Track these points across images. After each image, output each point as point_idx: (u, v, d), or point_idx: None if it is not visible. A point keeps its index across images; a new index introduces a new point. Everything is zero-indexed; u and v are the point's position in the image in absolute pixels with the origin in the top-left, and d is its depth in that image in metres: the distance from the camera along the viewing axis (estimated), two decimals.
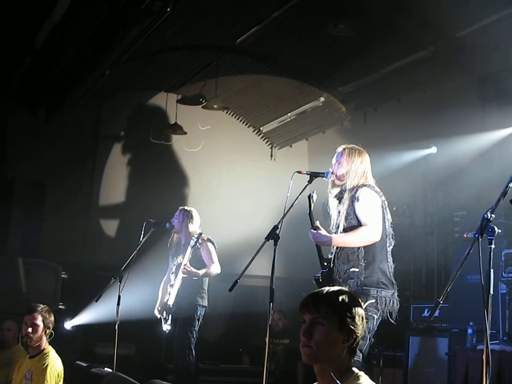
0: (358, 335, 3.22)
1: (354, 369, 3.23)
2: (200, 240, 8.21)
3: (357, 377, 3.18)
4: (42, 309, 6.35)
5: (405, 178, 10.80)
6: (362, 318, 3.25)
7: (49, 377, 6.05)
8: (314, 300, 3.25)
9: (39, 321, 6.25)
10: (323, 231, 5.81)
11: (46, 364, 6.11)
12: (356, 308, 3.24)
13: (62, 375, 6.23)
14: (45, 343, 6.31)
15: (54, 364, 6.17)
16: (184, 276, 8.11)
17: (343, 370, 3.19)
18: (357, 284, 5.61)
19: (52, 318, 6.35)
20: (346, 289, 3.34)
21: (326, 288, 3.31)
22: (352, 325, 3.19)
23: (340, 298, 3.22)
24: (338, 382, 3.17)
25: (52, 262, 10.57)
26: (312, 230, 5.80)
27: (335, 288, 3.32)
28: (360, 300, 3.31)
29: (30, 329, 6.25)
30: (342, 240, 5.80)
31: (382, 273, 5.70)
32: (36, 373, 6.12)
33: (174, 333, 8.31)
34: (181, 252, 8.32)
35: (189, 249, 8.12)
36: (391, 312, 5.69)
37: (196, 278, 8.23)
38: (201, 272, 8.18)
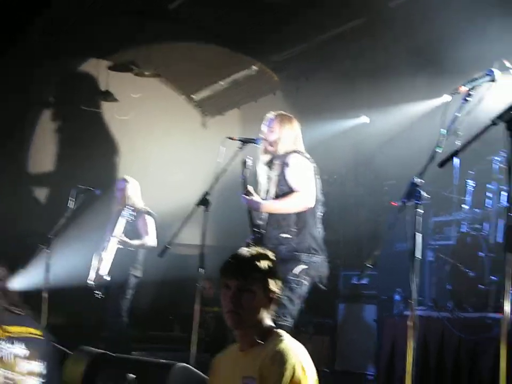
0: (279, 295, 3.29)
1: (277, 330, 3.29)
2: (134, 212, 8.21)
3: (279, 336, 3.24)
4: None
5: (336, 148, 10.88)
6: (280, 278, 3.33)
7: None
8: (240, 266, 3.28)
9: None
10: (256, 197, 5.80)
11: None
12: (278, 270, 3.32)
13: None
14: None
15: None
16: (119, 246, 8.09)
17: (266, 331, 3.27)
18: (288, 250, 5.61)
19: None
20: (266, 251, 3.37)
21: (247, 252, 3.32)
22: (276, 287, 3.27)
23: (265, 263, 3.26)
24: (262, 342, 3.23)
25: None
26: (245, 196, 5.79)
27: (256, 250, 3.34)
28: (275, 259, 3.35)
29: None
30: (274, 206, 5.77)
31: (313, 239, 5.72)
32: None
33: (106, 301, 8.29)
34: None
35: (121, 219, 8.10)
36: (321, 278, 5.75)
37: (132, 249, 8.24)
38: (135, 242, 8.18)
